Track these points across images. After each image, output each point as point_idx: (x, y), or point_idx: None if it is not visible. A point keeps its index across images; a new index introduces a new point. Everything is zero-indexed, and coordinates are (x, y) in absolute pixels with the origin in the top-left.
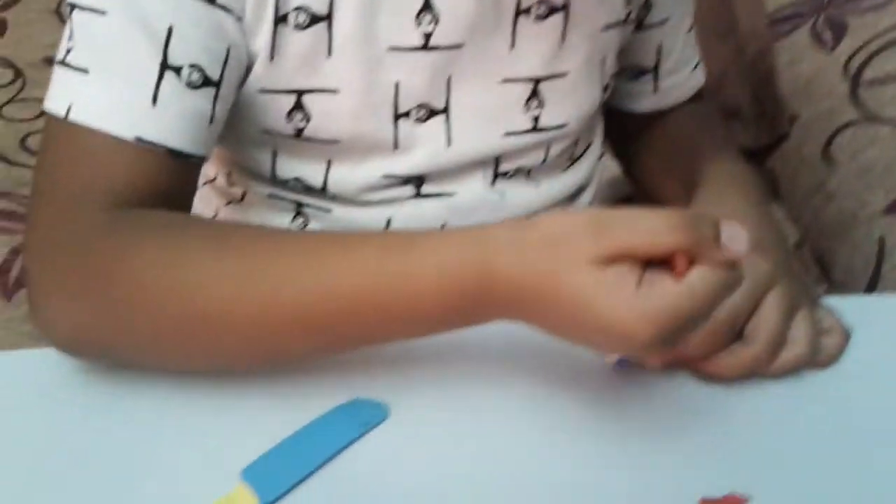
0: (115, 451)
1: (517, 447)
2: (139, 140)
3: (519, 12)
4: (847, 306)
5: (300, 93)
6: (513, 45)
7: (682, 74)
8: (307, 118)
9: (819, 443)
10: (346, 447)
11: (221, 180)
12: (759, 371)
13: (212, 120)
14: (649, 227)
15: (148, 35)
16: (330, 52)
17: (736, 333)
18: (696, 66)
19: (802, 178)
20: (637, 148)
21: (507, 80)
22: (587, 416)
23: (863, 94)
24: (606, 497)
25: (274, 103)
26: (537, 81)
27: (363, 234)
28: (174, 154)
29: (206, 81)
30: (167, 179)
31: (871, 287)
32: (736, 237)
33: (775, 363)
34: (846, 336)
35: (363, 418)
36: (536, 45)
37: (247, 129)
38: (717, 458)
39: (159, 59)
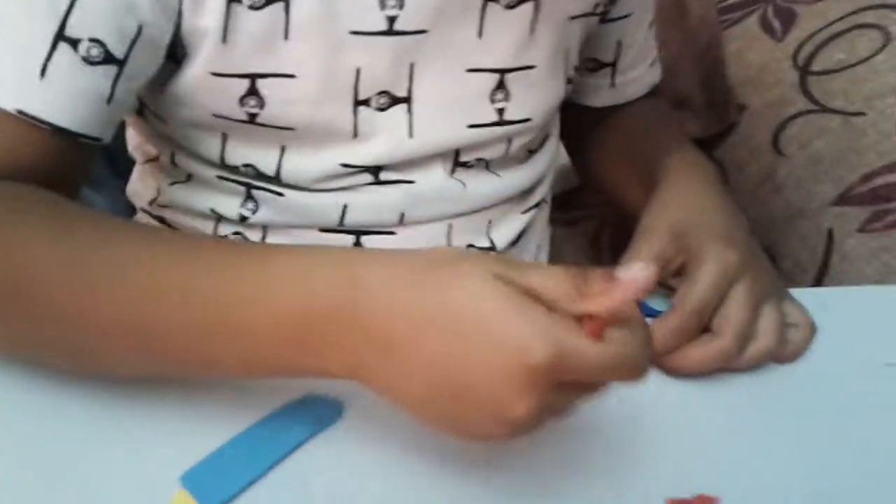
0: (43, 456)
1: (477, 448)
2: (21, 113)
3: None
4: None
5: (254, 77)
6: (480, 33)
7: (639, 70)
8: (261, 104)
9: (783, 438)
10: (296, 448)
11: (165, 160)
12: (727, 364)
13: (110, 100)
14: (559, 283)
15: (48, 3)
16: (287, 34)
17: (702, 327)
18: (653, 62)
19: (751, 169)
20: (590, 142)
21: (472, 70)
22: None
23: (812, 84)
24: (571, 498)
25: (225, 87)
26: (504, 73)
27: (221, 240)
28: (61, 133)
29: (108, 58)
30: (52, 160)
31: (819, 280)
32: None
33: (742, 356)
34: (812, 329)
35: (315, 417)
36: (505, 34)
37: (193, 113)
38: (684, 458)
39: (54, 29)
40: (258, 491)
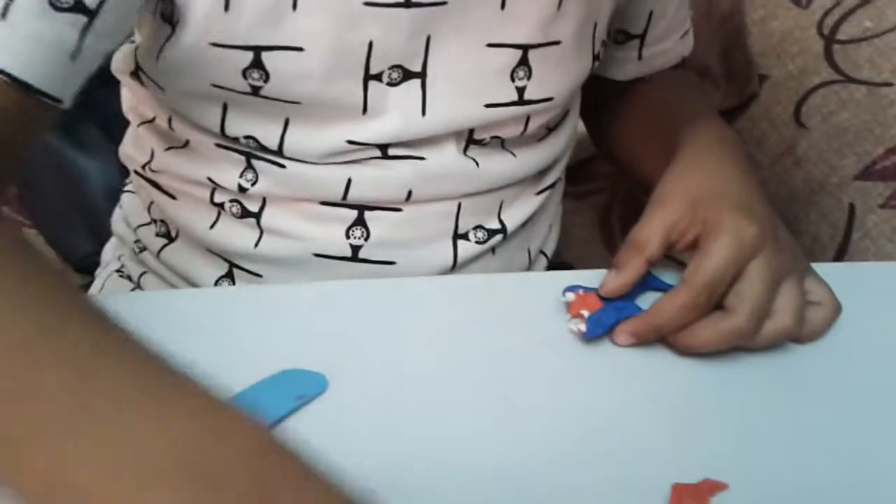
0: None
1: (471, 425)
2: None
3: None
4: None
5: (259, 49)
6: (503, 5)
7: (668, 42)
8: (265, 77)
9: (795, 421)
10: (278, 423)
11: (161, 123)
12: (741, 343)
13: (74, 55)
14: None
15: None
16: (295, 5)
17: (714, 303)
18: (684, 35)
19: (771, 142)
20: (611, 113)
21: (493, 45)
22: (547, 397)
23: (837, 54)
24: (575, 482)
25: (227, 59)
26: (527, 49)
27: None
28: (18, 86)
29: (78, 6)
30: (4, 118)
31: (839, 257)
32: None
33: (758, 335)
34: (836, 309)
35: (298, 390)
36: (530, 6)
37: (192, 83)
38: (691, 441)
39: None
40: None
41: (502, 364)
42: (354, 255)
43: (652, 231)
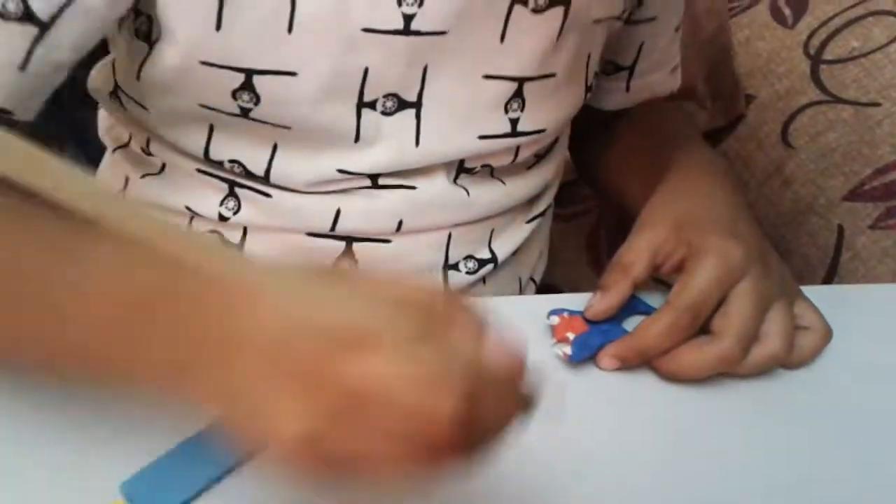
0: None
1: None
2: None
3: (515, 1)
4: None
5: (251, 72)
6: (503, 37)
7: (657, 75)
8: (256, 100)
9: (783, 447)
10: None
11: (136, 147)
12: (728, 369)
13: (23, 66)
14: None
15: None
16: (291, 28)
17: (699, 326)
18: (673, 69)
19: (758, 163)
20: (597, 142)
21: (489, 77)
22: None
23: (824, 74)
24: None
25: (216, 79)
26: (522, 81)
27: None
28: None
29: (28, 16)
30: None
31: (829, 278)
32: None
33: (745, 361)
34: (826, 335)
35: None
36: (529, 40)
37: (177, 102)
38: (675, 468)
39: None
40: (207, 500)
41: None
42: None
43: (637, 253)
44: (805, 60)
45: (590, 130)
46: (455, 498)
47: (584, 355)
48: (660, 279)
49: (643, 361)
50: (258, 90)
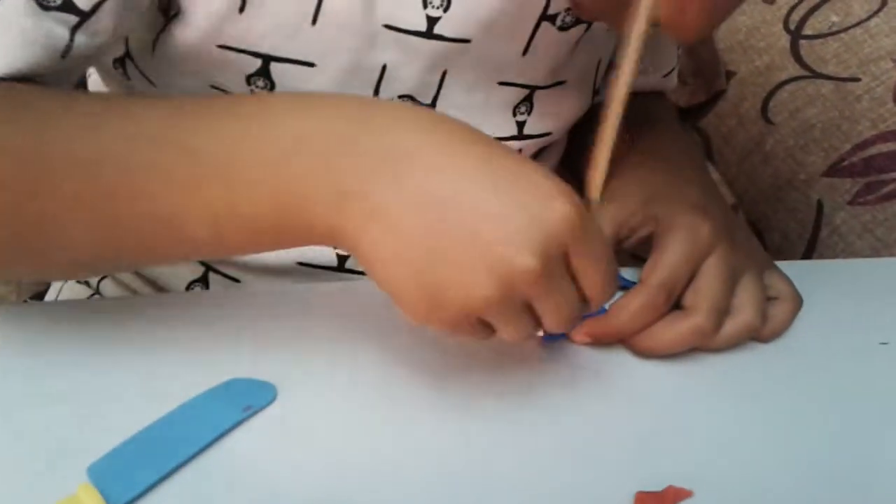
0: None
1: (426, 436)
2: None
3: (543, 17)
4: (783, 272)
5: (269, 58)
6: (526, 51)
7: (651, 78)
8: (270, 86)
9: (761, 424)
10: (223, 435)
11: None
12: (703, 343)
13: (66, 53)
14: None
15: None
16: (315, 19)
17: (672, 303)
18: (668, 73)
19: (738, 139)
20: (582, 134)
21: (503, 84)
22: (508, 405)
23: (804, 49)
24: (539, 490)
25: (233, 62)
26: (534, 89)
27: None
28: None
29: (67, 6)
30: None
31: (808, 254)
32: None
33: (719, 335)
34: (797, 303)
35: (245, 400)
36: (549, 51)
37: (189, 82)
38: (655, 448)
39: None
40: (176, 483)
41: (461, 373)
42: (341, 266)
43: (602, 226)
44: (785, 36)
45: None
46: (424, 480)
47: (556, 337)
48: (636, 255)
49: (618, 340)
50: (274, 77)
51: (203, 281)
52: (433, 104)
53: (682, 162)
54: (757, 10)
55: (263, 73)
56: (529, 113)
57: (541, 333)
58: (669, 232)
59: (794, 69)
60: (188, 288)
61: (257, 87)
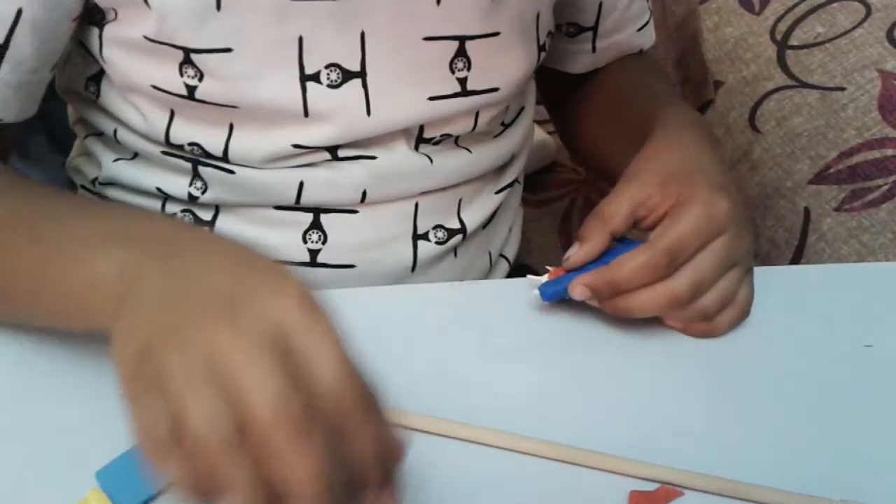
0: None
1: (426, 437)
2: None
3: None
4: (772, 277)
5: (188, 51)
6: (439, 0)
7: (622, 34)
8: (199, 75)
9: (752, 427)
10: None
11: (109, 135)
12: (673, 310)
13: None
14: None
15: None
16: (219, 5)
17: (673, 270)
18: (642, 28)
19: (727, 147)
20: (572, 104)
21: (429, 39)
22: (504, 405)
23: (790, 59)
24: (531, 490)
25: (161, 54)
26: (464, 40)
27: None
28: None
29: None
30: None
31: (796, 259)
32: None
33: (689, 309)
34: (745, 314)
35: None
36: (465, 0)
37: (134, 81)
38: (648, 449)
39: None
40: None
41: (458, 377)
42: (313, 260)
43: (620, 205)
44: (771, 46)
45: (565, 95)
46: (424, 481)
47: (552, 292)
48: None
49: (613, 294)
50: (199, 66)
51: None
52: (362, 69)
53: (699, 138)
54: (744, 20)
55: (189, 63)
56: (469, 68)
57: (536, 291)
58: (687, 204)
59: (780, 79)
60: None
61: (189, 76)
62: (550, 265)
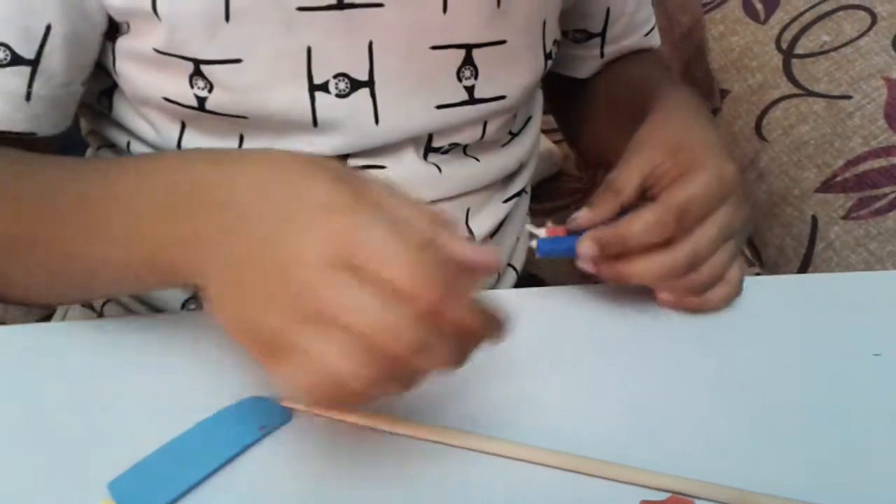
0: None
1: (436, 452)
2: None
3: None
4: (779, 286)
5: (198, 62)
6: (445, 8)
7: (630, 40)
8: (209, 86)
9: (761, 436)
10: (239, 454)
11: (122, 147)
12: (670, 280)
13: (28, 97)
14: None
15: None
16: (228, 16)
17: (680, 231)
18: (648, 32)
19: (734, 156)
20: (578, 108)
21: (436, 48)
22: (513, 411)
23: (796, 68)
24: (541, 500)
25: (171, 66)
26: (470, 48)
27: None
28: None
29: (16, 60)
30: None
31: (804, 267)
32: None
33: (682, 280)
34: (737, 291)
35: (261, 420)
36: (471, 7)
37: (146, 94)
38: (659, 458)
39: None
40: (193, 500)
41: (468, 387)
42: None
43: (630, 176)
44: (777, 55)
45: (573, 98)
46: (434, 494)
47: (549, 249)
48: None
49: (621, 249)
50: (209, 77)
51: (196, 298)
52: (370, 78)
53: (700, 114)
54: (749, 29)
55: (199, 74)
56: (476, 77)
57: (533, 244)
58: (696, 168)
59: (786, 87)
60: (183, 306)
61: (199, 87)
62: (558, 275)
